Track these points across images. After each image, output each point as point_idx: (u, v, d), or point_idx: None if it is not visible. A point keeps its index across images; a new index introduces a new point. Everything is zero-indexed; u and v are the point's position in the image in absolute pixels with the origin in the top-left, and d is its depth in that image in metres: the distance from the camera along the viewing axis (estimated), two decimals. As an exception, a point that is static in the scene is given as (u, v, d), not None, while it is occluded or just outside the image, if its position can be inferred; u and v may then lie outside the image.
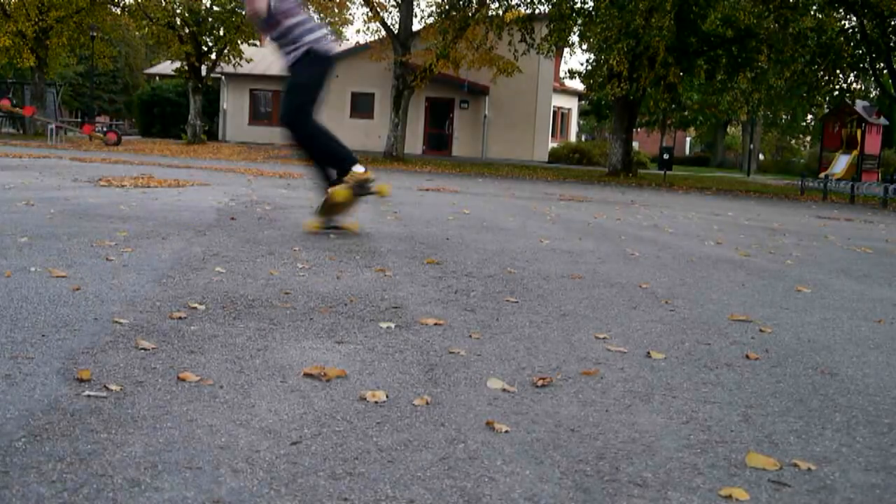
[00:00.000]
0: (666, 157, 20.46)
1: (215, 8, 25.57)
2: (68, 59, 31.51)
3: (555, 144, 30.21)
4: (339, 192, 4.41)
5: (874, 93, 27.92)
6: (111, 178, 8.74)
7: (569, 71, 26.67)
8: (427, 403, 1.73)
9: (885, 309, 3.26)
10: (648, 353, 2.28)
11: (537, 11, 20.95)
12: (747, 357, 2.30)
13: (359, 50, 26.20)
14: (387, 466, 1.38)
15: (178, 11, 24.94)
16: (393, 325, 2.44)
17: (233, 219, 5.24)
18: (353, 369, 1.96)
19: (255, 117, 30.43)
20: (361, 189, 4.50)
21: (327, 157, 4.60)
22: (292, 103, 4.46)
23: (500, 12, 20.54)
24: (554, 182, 16.30)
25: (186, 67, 25.28)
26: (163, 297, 2.65)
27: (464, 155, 27.16)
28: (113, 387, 1.71)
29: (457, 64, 20.60)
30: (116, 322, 2.27)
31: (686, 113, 34.69)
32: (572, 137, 34.22)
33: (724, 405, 1.84)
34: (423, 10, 60.05)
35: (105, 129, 24.79)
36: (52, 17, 25.02)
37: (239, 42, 25.32)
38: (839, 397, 1.95)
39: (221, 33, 25.57)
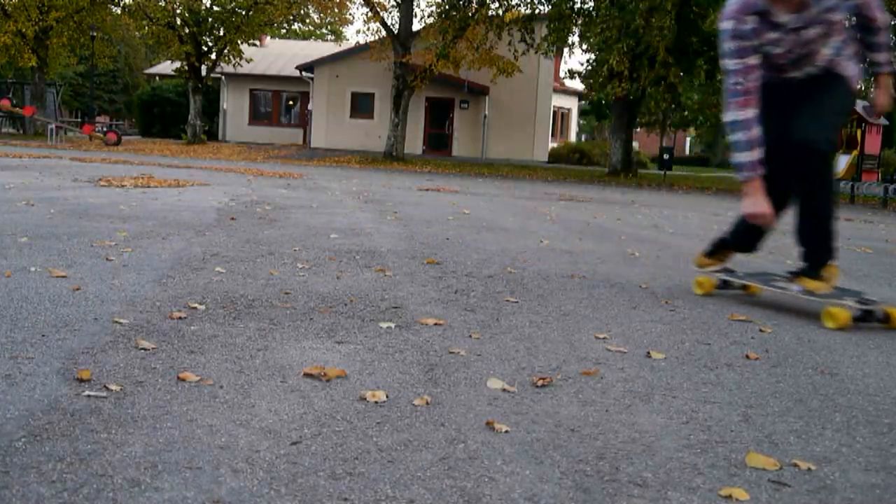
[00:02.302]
0: (666, 157, 20.45)
1: (215, 8, 25.56)
2: (68, 59, 31.48)
3: (555, 144, 30.19)
4: (838, 313, 2.83)
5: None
6: (111, 178, 8.74)
7: (569, 71, 26.67)
8: (427, 403, 1.73)
9: (885, 309, 3.25)
10: (648, 353, 2.28)
11: (537, 11, 20.95)
12: (747, 357, 2.30)
13: (359, 50, 26.18)
14: (387, 466, 1.38)
15: (178, 11, 24.92)
16: (393, 325, 2.44)
17: (233, 219, 5.24)
18: (353, 369, 1.96)
19: (255, 117, 30.40)
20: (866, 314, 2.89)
21: (828, 229, 3.06)
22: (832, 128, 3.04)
23: (500, 12, 20.53)
24: (554, 182, 16.30)
25: (186, 67, 25.28)
26: (163, 297, 2.65)
27: (464, 155, 27.14)
28: (113, 387, 1.71)
29: (457, 64, 20.59)
30: (116, 322, 2.27)
31: (686, 113, 34.68)
32: (572, 137, 34.20)
33: (724, 405, 1.84)
34: (423, 10, 60.07)
35: (105, 129, 24.79)
36: (51, 17, 25.02)
37: (239, 42, 25.30)
38: (839, 397, 1.95)
39: (221, 33, 25.55)
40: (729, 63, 2.89)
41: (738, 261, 3.85)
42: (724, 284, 3.41)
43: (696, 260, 3.64)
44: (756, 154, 2.91)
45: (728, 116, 2.93)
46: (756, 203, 2.94)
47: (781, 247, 5.62)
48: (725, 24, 2.87)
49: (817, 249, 3.07)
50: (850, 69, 3.05)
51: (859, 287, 3.83)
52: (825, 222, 3.03)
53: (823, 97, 3.00)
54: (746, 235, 3.37)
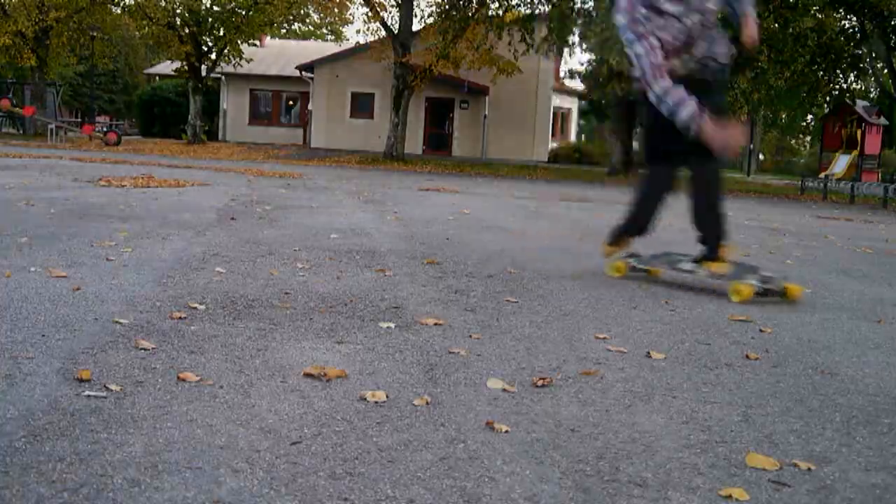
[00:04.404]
0: (666, 157, 20.45)
1: (215, 8, 25.55)
2: (68, 59, 31.48)
3: (555, 144, 30.18)
4: (743, 288, 3.25)
5: (874, 93, 27.93)
6: (111, 178, 8.74)
7: (569, 71, 26.65)
8: (427, 403, 1.73)
9: (885, 309, 3.25)
10: (648, 353, 2.28)
11: (537, 11, 20.94)
12: (747, 357, 2.30)
13: (359, 50, 26.18)
14: (387, 466, 1.38)
15: (178, 11, 24.92)
16: (393, 325, 2.44)
17: (233, 219, 5.25)
18: (353, 369, 1.96)
19: (255, 117, 30.40)
20: None
21: (719, 213, 3.50)
22: None
23: (500, 12, 20.52)
24: (554, 182, 16.29)
25: (186, 67, 25.27)
26: (163, 297, 2.65)
27: (464, 155, 27.13)
28: (113, 387, 1.71)
29: (457, 64, 20.59)
30: (116, 322, 2.27)
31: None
32: (572, 137, 34.19)
33: (724, 405, 1.84)
34: (423, 10, 60.01)
35: (105, 129, 24.76)
36: (51, 17, 25.01)
37: (239, 42, 25.29)
38: (839, 397, 1.95)
39: (221, 33, 25.53)
40: (636, 48, 3.20)
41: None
42: (633, 269, 3.71)
43: (602, 249, 3.88)
44: (692, 102, 3.11)
45: (656, 90, 3.18)
46: (719, 133, 3.10)
47: (782, 246, 5.62)
48: (620, 18, 3.23)
49: (712, 233, 3.43)
50: (722, 53, 3.39)
51: (860, 287, 3.83)
52: (715, 207, 3.41)
53: (706, 94, 3.27)
54: (638, 220, 3.71)
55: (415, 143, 26.78)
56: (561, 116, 32.28)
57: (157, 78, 34.04)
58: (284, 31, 39.65)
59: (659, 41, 3.20)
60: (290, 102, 30.93)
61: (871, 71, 20.57)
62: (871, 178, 19.52)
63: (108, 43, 29.27)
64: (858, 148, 20.35)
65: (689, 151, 3.26)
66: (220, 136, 30.14)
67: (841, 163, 20.41)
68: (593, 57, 20.95)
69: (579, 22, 19.95)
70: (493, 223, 6.08)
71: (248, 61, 26.20)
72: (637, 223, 3.71)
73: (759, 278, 3.25)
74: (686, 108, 3.11)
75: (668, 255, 3.72)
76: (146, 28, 25.13)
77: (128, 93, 42.79)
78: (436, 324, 2.49)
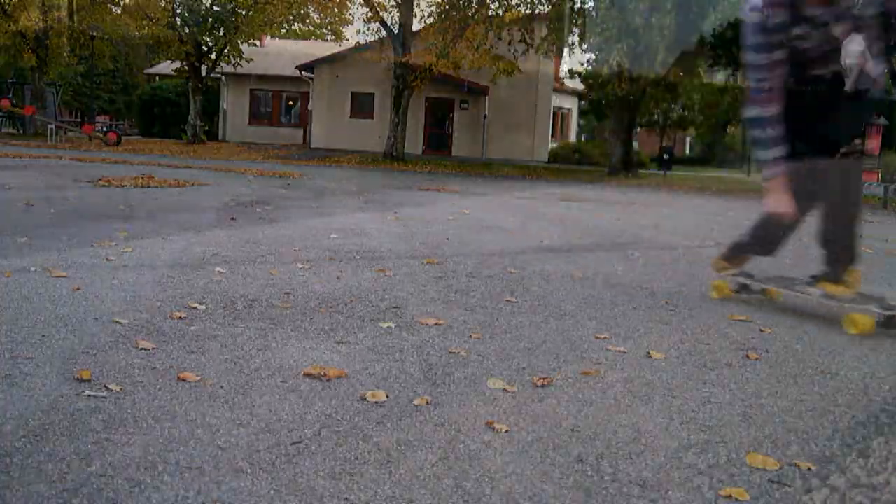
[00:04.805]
0: (666, 157, 20.48)
1: (215, 8, 25.55)
2: (68, 59, 31.51)
3: (555, 144, 30.18)
4: (860, 318, 2.74)
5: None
6: (111, 177, 8.74)
7: (569, 71, 26.63)
8: (427, 403, 1.73)
9: (885, 309, 3.24)
10: (648, 353, 2.28)
11: (537, 11, 20.95)
12: (747, 357, 2.30)
13: (359, 50, 26.18)
14: (387, 466, 1.38)
15: (179, 11, 24.93)
16: (393, 325, 2.44)
17: (233, 219, 5.25)
18: (353, 369, 1.96)
19: (255, 117, 30.40)
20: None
21: (851, 232, 2.98)
22: None
23: (500, 12, 20.53)
24: (554, 182, 16.28)
25: (186, 67, 25.28)
26: (163, 297, 2.65)
27: (464, 155, 27.12)
28: (113, 387, 1.71)
29: (457, 64, 20.59)
30: (116, 322, 2.27)
31: (686, 113, 34.71)
32: (572, 137, 34.19)
33: (724, 405, 1.84)
34: (423, 10, 60.01)
35: (105, 128, 24.75)
36: (51, 17, 25.03)
37: (239, 42, 25.29)
38: (839, 397, 1.95)
39: (221, 33, 25.54)
40: (755, 58, 2.72)
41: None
42: (743, 288, 3.27)
43: (714, 263, 3.44)
44: (778, 151, 2.75)
45: (750, 112, 2.78)
46: (779, 200, 2.78)
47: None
48: (753, 17, 2.69)
49: (839, 252, 2.95)
50: (876, 69, 2.83)
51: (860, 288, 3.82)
52: (848, 225, 2.92)
53: (849, 103, 2.83)
54: (765, 238, 3.19)
55: (415, 143, 26.77)
56: (561, 116, 32.30)
57: (157, 78, 34.03)
58: (284, 31, 39.64)
59: (794, 53, 2.72)
60: (290, 102, 30.94)
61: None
62: (871, 178, 19.50)
63: (108, 43, 29.25)
64: (858, 148, 20.32)
65: (819, 152, 2.82)
66: (219, 136, 30.14)
67: (841, 163, 20.38)
68: (593, 57, 20.94)
69: (579, 22, 19.95)
70: (493, 223, 6.08)
71: (248, 61, 26.20)
72: (764, 241, 3.20)
73: (882, 306, 2.77)
74: (770, 151, 2.74)
75: (783, 278, 3.30)
76: (146, 28, 25.13)
77: (128, 93, 42.77)
78: (436, 324, 2.49)
